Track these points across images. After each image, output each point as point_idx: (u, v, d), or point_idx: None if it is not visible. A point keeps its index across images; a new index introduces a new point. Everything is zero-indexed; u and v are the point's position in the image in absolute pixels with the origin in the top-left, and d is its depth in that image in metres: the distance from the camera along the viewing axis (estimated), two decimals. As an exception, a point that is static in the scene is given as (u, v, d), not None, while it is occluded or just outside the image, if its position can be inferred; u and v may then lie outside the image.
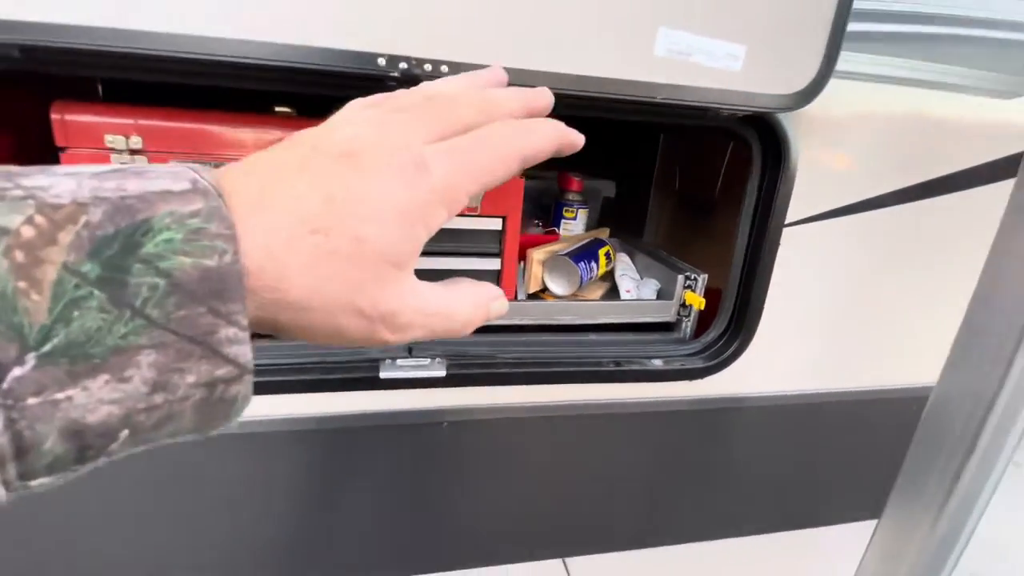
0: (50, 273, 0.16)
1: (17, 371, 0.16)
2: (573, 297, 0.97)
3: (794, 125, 0.78)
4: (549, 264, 0.96)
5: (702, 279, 0.95)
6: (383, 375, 0.78)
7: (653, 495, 1.01)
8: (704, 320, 0.97)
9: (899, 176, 0.84)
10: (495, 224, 0.86)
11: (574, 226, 1.12)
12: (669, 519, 1.04)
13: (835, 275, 0.89)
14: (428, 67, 0.59)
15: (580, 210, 1.12)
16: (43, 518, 0.76)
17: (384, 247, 0.21)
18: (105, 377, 0.17)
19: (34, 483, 0.17)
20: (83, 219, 0.16)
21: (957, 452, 0.69)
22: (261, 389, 0.75)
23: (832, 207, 0.85)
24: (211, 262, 0.18)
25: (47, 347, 0.16)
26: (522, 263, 0.95)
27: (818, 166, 0.82)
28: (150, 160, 0.71)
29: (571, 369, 0.88)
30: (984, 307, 0.65)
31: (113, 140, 0.69)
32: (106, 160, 0.70)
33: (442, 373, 0.81)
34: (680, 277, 0.96)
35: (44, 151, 0.69)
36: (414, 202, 0.21)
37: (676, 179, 1.39)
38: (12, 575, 0.79)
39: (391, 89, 0.58)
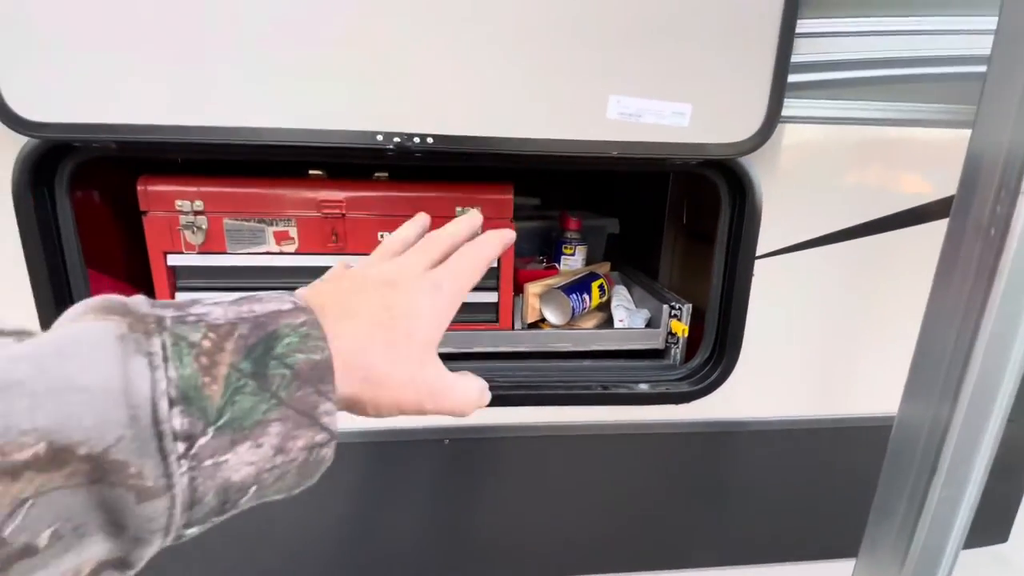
0: (222, 370, 0.22)
1: (202, 440, 0.21)
2: (568, 326, 1.06)
3: (756, 167, 0.86)
4: (544, 297, 1.06)
5: (686, 308, 1.02)
6: (391, 395, 0.90)
7: (642, 518, 1.05)
8: (696, 348, 1.03)
9: (865, 209, 0.89)
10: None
11: (573, 261, 1.22)
12: (656, 542, 1.07)
13: (811, 305, 0.94)
14: (416, 140, 0.73)
15: (578, 247, 1.22)
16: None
17: (425, 337, 0.31)
18: (248, 444, 0.23)
19: (188, 532, 0.23)
20: (237, 333, 0.23)
21: (921, 478, 0.72)
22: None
23: (801, 240, 0.90)
24: (317, 356, 0.25)
25: (220, 422, 0.22)
26: (520, 296, 1.06)
27: (784, 203, 0.88)
28: (208, 216, 0.89)
29: (562, 392, 0.96)
30: (930, 336, 0.69)
31: (181, 204, 0.87)
32: (176, 219, 0.88)
33: (443, 394, 0.91)
34: (665, 307, 1.03)
35: (131, 214, 0.89)
36: (436, 307, 0.32)
37: (684, 215, 1.47)
38: None
39: (390, 157, 0.73)
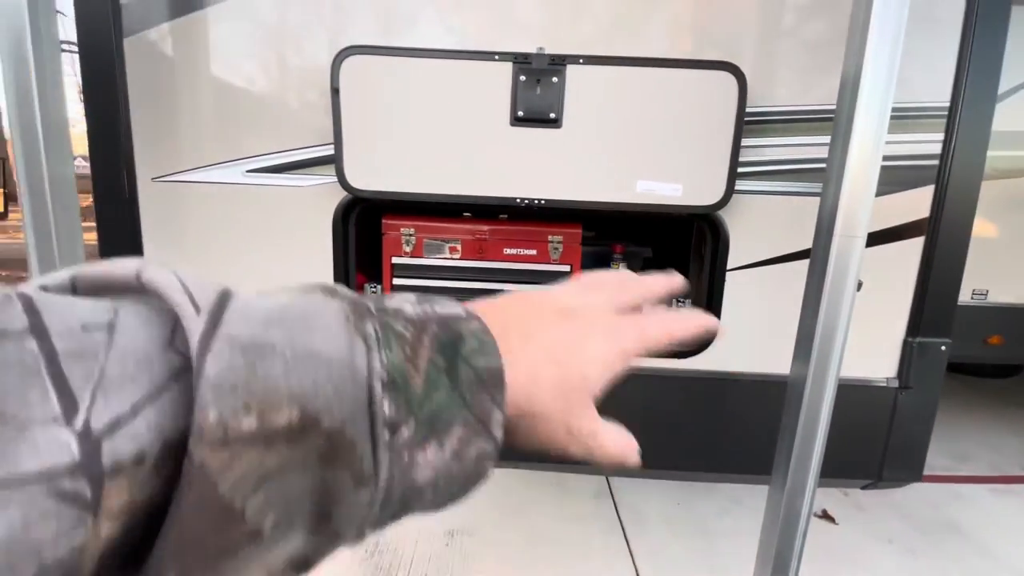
0: (423, 363, 0.21)
1: (404, 431, 0.20)
2: (612, 311, 1.71)
3: (725, 217, 1.51)
4: (598, 292, 1.72)
5: (688, 303, 1.66)
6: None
7: (653, 434, 1.66)
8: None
9: (789, 244, 1.51)
10: (567, 268, 1.66)
11: (617, 273, 1.87)
12: (661, 453, 1.67)
13: (760, 300, 1.55)
14: (536, 201, 1.44)
15: (621, 264, 1.88)
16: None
17: (595, 384, 0.27)
18: (435, 443, 0.21)
19: (369, 533, 0.21)
20: (430, 329, 0.22)
21: (798, 416, 1.29)
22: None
23: (753, 261, 1.53)
24: (495, 364, 0.23)
25: (420, 414, 0.20)
26: (583, 291, 1.72)
27: (742, 239, 1.52)
28: (416, 237, 1.63)
29: (607, 347, 1.61)
30: (802, 323, 1.29)
31: (404, 230, 1.62)
32: (400, 238, 1.63)
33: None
34: (674, 301, 1.67)
35: (375, 236, 1.64)
36: (612, 355, 0.28)
37: (702, 249, 2.11)
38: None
39: (520, 208, 1.49)
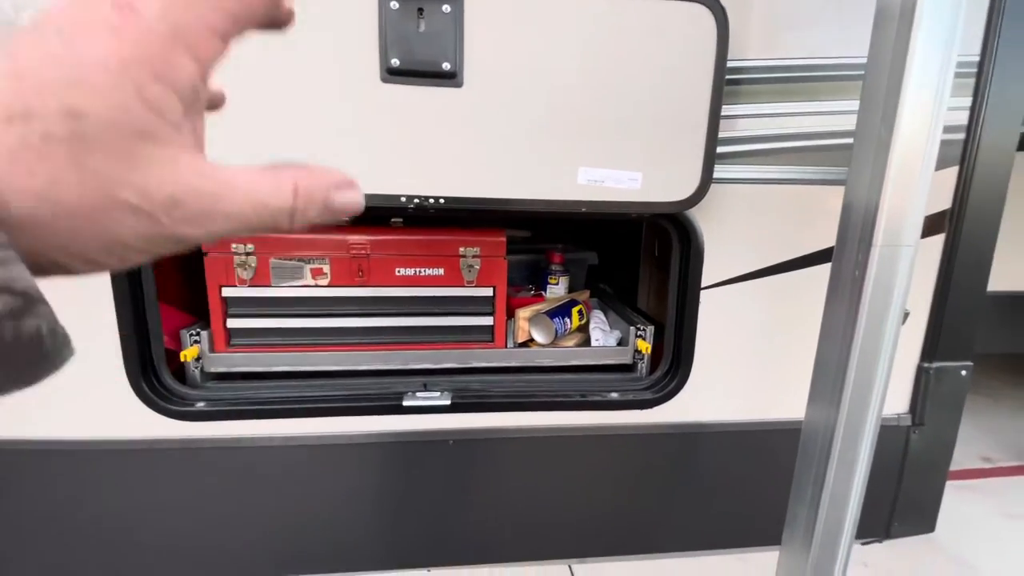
0: None
1: None
2: (552, 345, 1.26)
3: (698, 217, 1.08)
4: (532, 320, 1.26)
5: (650, 330, 1.23)
6: (405, 403, 1.09)
7: (613, 508, 1.24)
8: (659, 362, 1.23)
9: (784, 250, 1.11)
10: (488, 292, 1.19)
11: (557, 289, 1.42)
12: (625, 530, 1.25)
13: (746, 326, 1.15)
14: (430, 200, 0.94)
15: (562, 277, 1.43)
16: (181, 515, 1.10)
17: (112, 115, 0.16)
18: None
19: None
20: None
21: (820, 468, 0.90)
22: (319, 413, 1.08)
23: (737, 274, 1.12)
24: None
25: None
26: (512, 319, 1.26)
27: (721, 245, 1.10)
28: (257, 256, 1.09)
29: (546, 399, 1.16)
30: (823, 353, 0.89)
31: (236, 247, 1.08)
32: (231, 259, 1.08)
33: (448, 402, 1.11)
34: (632, 328, 1.23)
35: (196, 253, 1.09)
36: (128, 51, 0.16)
37: (655, 250, 1.69)
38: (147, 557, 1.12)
39: (408, 213, 0.95)
